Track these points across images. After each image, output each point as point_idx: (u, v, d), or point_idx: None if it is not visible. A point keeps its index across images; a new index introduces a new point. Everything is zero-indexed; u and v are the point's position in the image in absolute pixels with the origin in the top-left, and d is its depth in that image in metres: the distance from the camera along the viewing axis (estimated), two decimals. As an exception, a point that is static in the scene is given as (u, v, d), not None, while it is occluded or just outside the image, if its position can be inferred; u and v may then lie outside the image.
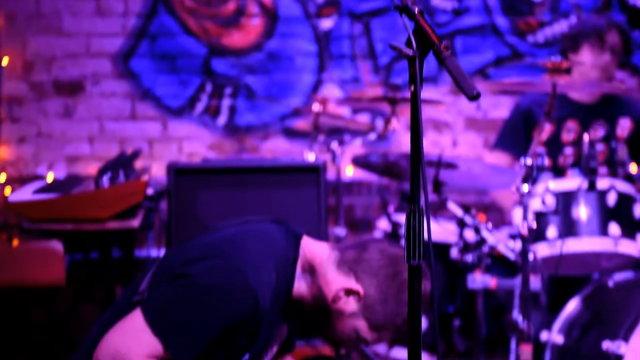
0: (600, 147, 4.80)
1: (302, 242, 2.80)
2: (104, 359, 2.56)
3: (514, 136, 4.55)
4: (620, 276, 4.38)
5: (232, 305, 2.59)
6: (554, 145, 4.64)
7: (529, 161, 3.82)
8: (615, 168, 4.78)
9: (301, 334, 3.00)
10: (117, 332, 2.59)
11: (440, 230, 4.48)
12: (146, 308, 2.61)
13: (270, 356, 2.83)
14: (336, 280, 2.74)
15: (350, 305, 2.73)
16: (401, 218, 4.49)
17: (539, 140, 4.68)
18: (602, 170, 4.44)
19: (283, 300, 2.73)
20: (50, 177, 5.02)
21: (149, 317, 2.58)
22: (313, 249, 2.81)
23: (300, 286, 2.77)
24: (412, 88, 2.16)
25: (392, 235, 4.55)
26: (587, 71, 4.70)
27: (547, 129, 4.70)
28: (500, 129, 5.01)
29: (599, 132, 4.83)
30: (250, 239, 2.72)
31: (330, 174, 4.56)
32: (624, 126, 4.87)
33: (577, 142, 4.76)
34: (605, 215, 4.08)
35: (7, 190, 5.01)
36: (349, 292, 2.72)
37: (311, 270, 2.77)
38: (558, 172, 4.27)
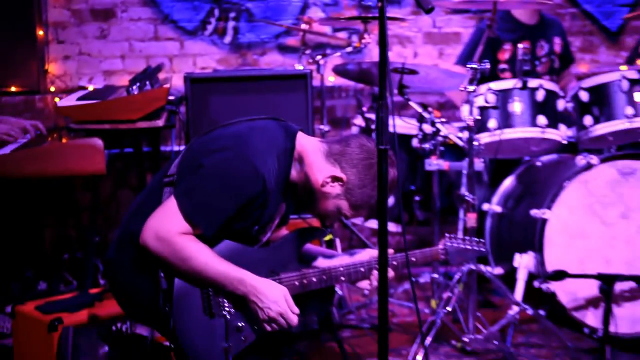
0: (546, 60, 4.86)
1: (297, 137, 2.82)
2: (149, 238, 2.63)
3: (470, 55, 4.50)
4: (546, 158, 4.47)
5: (245, 187, 2.65)
6: (513, 62, 4.66)
7: (474, 66, 3.85)
8: (552, 75, 4.84)
9: (295, 211, 3.06)
10: (156, 216, 2.65)
11: (404, 124, 4.52)
12: (177, 195, 2.66)
13: (273, 228, 2.89)
14: (325, 169, 2.78)
15: (335, 189, 2.79)
16: (373, 116, 4.51)
17: (500, 58, 4.74)
18: (546, 78, 4.46)
19: (283, 182, 2.78)
20: (90, 88, 5.03)
21: (179, 202, 2.64)
22: (306, 142, 2.83)
23: (294, 172, 2.82)
24: (380, 4, 2.20)
25: (366, 129, 4.57)
26: (530, 5, 4.68)
27: (507, 49, 4.73)
28: (462, 49, 4.99)
29: (544, 49, 4.86)
30: (257, 133, 2.75)
31: (316, 81, 4.54)
32: (557, 43, 4.90)
33: (531, 55, 4.80)
34: (535, 109, 4.11)
35: (57, 99, 5.02)
36: (335, 178, 2.77)
37: (300, 160, 2.81)
38: (524, 84, 4.14)
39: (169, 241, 2.62)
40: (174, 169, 2.78)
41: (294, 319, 2.74)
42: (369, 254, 2.99)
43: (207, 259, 2.65)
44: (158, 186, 2.80)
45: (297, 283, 2.84)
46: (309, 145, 2.83)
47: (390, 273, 2.95)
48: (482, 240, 3.29)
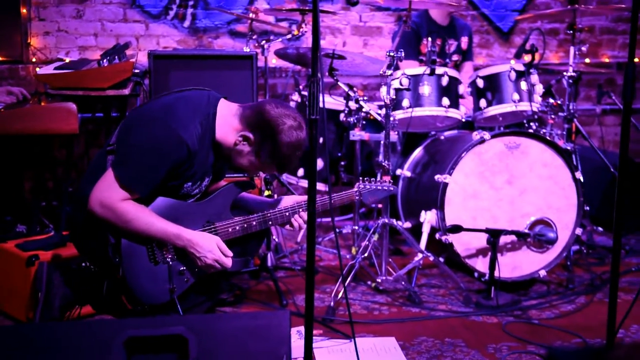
0: (455, 57, 4.86)
1: (219, 103, 2.76)
2: (95, 206, 2.59)
3: (402, 47, 4.41)
4: (448, 133, 4.48)
5: (170, 153, 2.60)
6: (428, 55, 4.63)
7: (391, 54, 3.82)
8: (459, 67, 4.85)
9: (230, 169, 3.00)
10: (99, 187, 2.61)
11: (333, 101, 4.48)
12: (113, 166, 2.61)
13: (207, 183, 2.84)
14: (237, 129, 2.74)
15: (246, 147, 2.75)
16: (307, 93, 4.46)
17: (422, 50, 4.70)
18: (453, 70, 4.42)
19: (209, 142, 2.72)
20: (67, 60, 4.88)
21: (115, 173, 2.59)
22: (226, 108, 2.77)
23: (220, 134, 2.74)
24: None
25: (302, 104, 4.52)
26: (440, 6, 4.72)
27: (425, 44, 4.70)
28: (393, 43, 4.94)
29: (453, 46, 4.86)
30: (181, 103, 2.68)
31: (260, 62, 4.51)
32: (464, 41, 4.91)
33: (440, 52, 4.78)
34: (440, 92, 4.09)
35: (37, 68, 4.87)
36: (244, 138, 2.73)
37: (222, 123, 2.75)
38: (432, 71, 4.07)
39: (112, 208, 2.58)
40: (114, 138, 2.70)
41: (228, 262, 2.75)
42: (292, 199, 2.97)
43: (147, 219, 2.62)
44: (103, 153, 2.72)
45: (230, 230, 2.83)
46: (227, 110, 2.76)
47: None
48: (391, 181, 3.26)
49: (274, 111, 2.73)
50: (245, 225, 2.85)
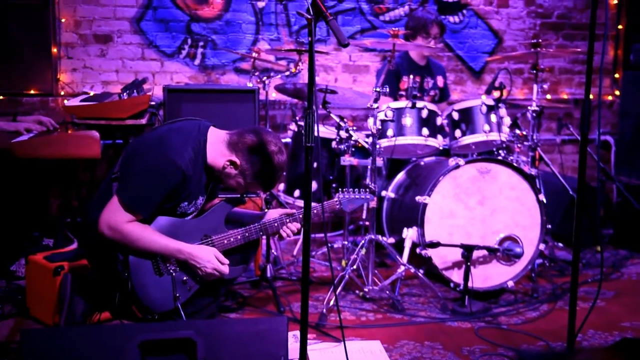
0: (432, 92, 4.87)
1: (209, 131, 2.76)
2: (104, 229, 2.59)
3: (386, 84, 4.41)
4: (427, 159, 4.47)
5: (167, 179, 2.60)
6: (410, 90, 4.63)
7: (377, 89, 3.84)
8: (436, 102, 4.85)
9: (222, 189, 2.99)
10: (106, 211, 2.60)
11: (326, 130, 4.48)
12: (117, 193, 2.60)
13: (201, 202, 2.83)
14: (225, 155, 2.74)
15: (232, 170, 2.75)
16: (303, 123, 4.44)
17: (401, 87, 4.71)
18: (432, 104, 4.42)
19: (201, 166, 2.72)
20: (91, 93, 4.88)
21: (119, 199, 2.59)
22: (214, 135, 2.77)
23: (211, 158, 2.74)
24: (309, 39, 2.15)
25: (298, 133, 4.52)
26: (421, 49, 4.74)
27: (405, 81, 4.71)
28: (377, 79, 4.95)
29: (429, 84, 4.88)
30: (173, 134, 2.69)
31: (262, 96, 4.50)
32: (440, 80, 4.93)
33: (419, 88, 4.80)
34: (420, 123, 4.10)
35: (65, 101, 4.87)
36: (231, 162, 2.73)
37: (213, 149, 2.74)
38: (413, 104, 4.10)
39: (119, 229, 2.57)
40: (118, 167, 2.69)
41: (225, 270, 2.74)
42: (277, 212, 2.96)
43: (150, 238, 2.61)
44: (109, 181, 2.71)
45: (226, 242, 2.81)
46: (216, 138, 2.76)
47: (297, 226, 2.91)
48: (369, 191, 3.23)
49: (258, 138, 2.74)
50: (239, 237, 2.84)
